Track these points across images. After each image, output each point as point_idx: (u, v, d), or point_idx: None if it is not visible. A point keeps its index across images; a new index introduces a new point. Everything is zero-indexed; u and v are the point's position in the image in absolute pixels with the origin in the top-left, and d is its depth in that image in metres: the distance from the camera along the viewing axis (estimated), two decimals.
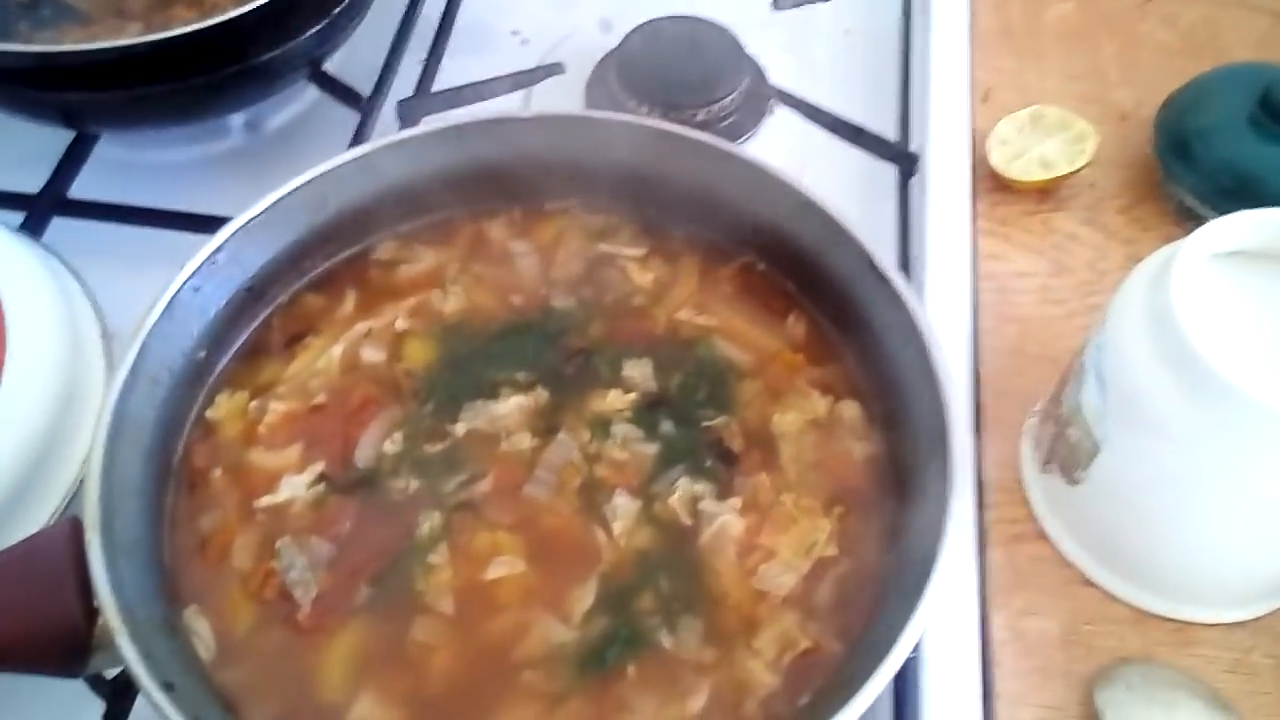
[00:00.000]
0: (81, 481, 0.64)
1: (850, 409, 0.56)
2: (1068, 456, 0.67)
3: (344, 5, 0.79)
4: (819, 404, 0.57)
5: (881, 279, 0.54)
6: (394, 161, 0.60)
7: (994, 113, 0.89)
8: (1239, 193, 0.77)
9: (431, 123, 0.61)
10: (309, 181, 0.58)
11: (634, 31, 0.92)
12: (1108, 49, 0.97)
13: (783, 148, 0.89)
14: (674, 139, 0.61)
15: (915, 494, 0.51)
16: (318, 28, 0.79)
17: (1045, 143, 0.87)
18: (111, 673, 0.61)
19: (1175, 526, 0.63)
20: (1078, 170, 0.85)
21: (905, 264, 0.80)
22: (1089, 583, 0.69)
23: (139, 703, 0.61)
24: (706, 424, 0.56)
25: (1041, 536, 0.71)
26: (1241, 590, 0.66)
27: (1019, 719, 0.64)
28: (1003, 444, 0.74)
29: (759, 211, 0.60)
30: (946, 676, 0.63)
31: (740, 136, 0.88)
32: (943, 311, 0.77)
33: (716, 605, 0.51)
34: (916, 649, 0.61)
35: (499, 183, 0.63)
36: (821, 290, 0.59)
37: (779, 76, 0.93)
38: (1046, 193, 0.87)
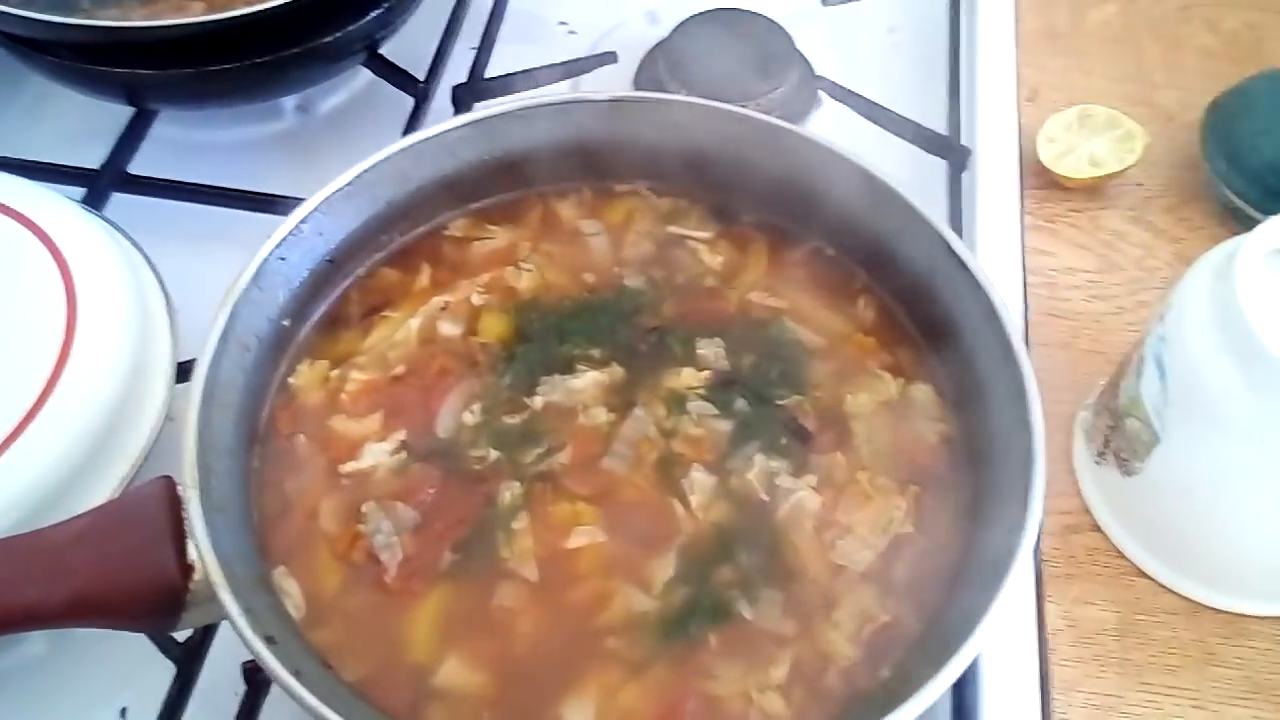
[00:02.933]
0: (148, 453, 0.65)
1: (923, 391, 0.57)
2: (1124, 448, 0.68)
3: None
4: (891, 386, 0.57)
5: (960, 265, 0.55)
6: (471, 140, 0.61)
7: (1040, 112, 0.90)
8: None
9: (490, 107, 0.61)
10: (390, 156, 0.59)
11: (683, 23, 0.93)
12: (1152, 52, 0.98)
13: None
14: (747, 123, 0.61)
15: (993, 477, 0.52)
16: (379, 10, 0.80)
17: (1094, 141, 0.87)
18: (182, 635, 0.62)
19: (1233, 518, 0.64)
20: (1126, 169, 0.86)
21: None
22: (1142, 573, 0.69)
23: (208, 665, 0.62)
24: (780, 402, 0.57)
25: (1095, 528, 0.71)
26: None
27: (1074, 706, 0.65)
28: (1054, 437, 0.75)
29: (830, 196, 0.60)
30: (1004, 663, 0.64)
31: None
32: None
33: (795, 578, 0.51)
34: None
35: (569, 163, 0.64)
36: (893, 275, 0.59)
37: (826, 71, 0.94)
38: (1094, 190, 0.88)
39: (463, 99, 0.90)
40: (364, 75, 0.94)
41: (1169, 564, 0.69)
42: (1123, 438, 0.68)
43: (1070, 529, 0.72)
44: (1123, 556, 0.70)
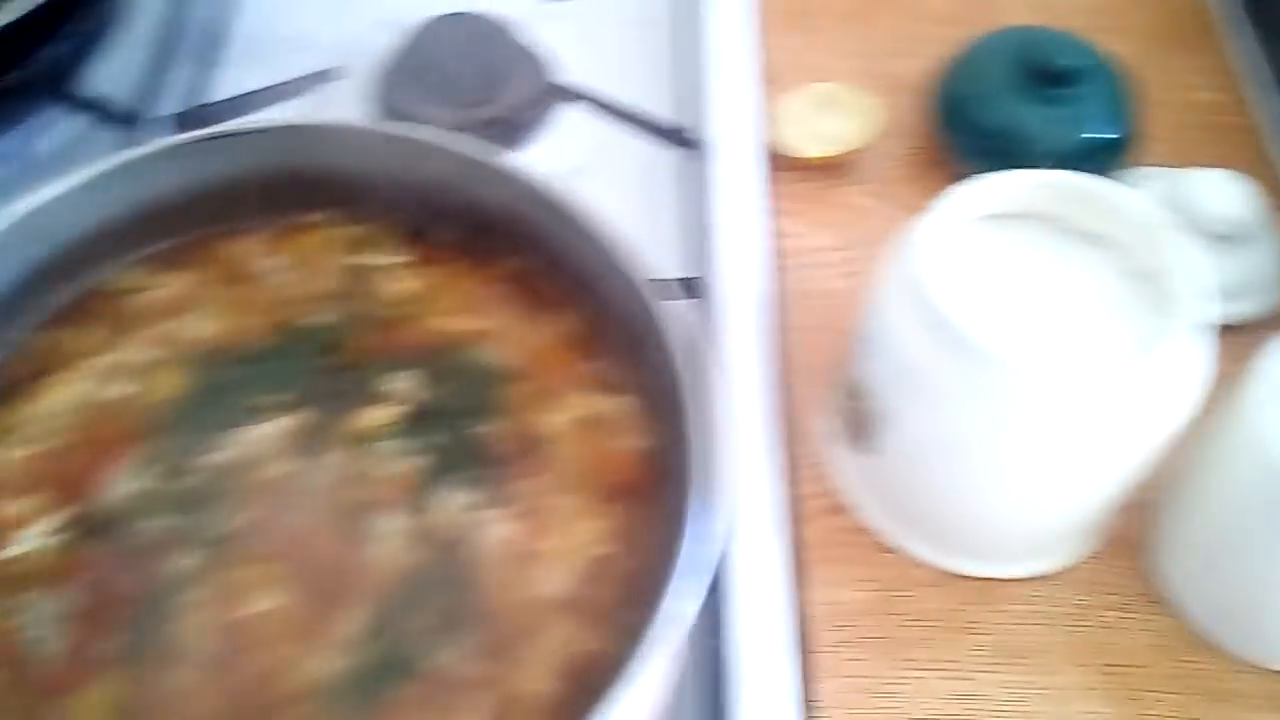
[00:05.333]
0: None
1: (625, 403, 0.55)
2: (862, 427, 0.68)
3: (86, 22, 0.75)
4: (591, 402, 0.55)
5: (612, 261, 0.53)
6: (123, 183, 0.56)
7: (782, 92, 0.90)
8: (1009, 154, 0.78)
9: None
10: (32, 212, 0.54)
11: (413, 32, 0.90)
12: (887, 22, 0.99)
13: (571, 142, 0.88)
14: (405, 144, 0.58)
15: (693, 485, 0.50)
16: (56, 47, 0.75)
17: (835, 119, 0.88)
18: None
19: (963, 487, 0.64)
20: (867, 144, 0.86)
21: (699, 252, 0.80)
22: (895, 550, 0.70)
23: None
24: (476, 430, 0.54)
25: (848, 509, 0.71)
26: (1033, 544, 0.68)
27: (836, 691, 0.65)
28: (814, 420, 0.75)
29: (518, 212, 0.58)
30: (759, 658, 0.63)
31: (526, 133, 0.87)
32: (739, 296, 0.77)
33: (492, 618, 0.49)
34: (724, 633, 0.61)
35: (244, 198, 0.60)
36: (585, 287, 0.57)
37: (565, 70, 0.92)
38: (838, 168, 0.88)
39: (186, 129, 0.85)
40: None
41: (918, 537, 0.69)
42: (859, 417, 0.68)
43: (826, 511, 0.72)
44: (874, 535, 0.70)
